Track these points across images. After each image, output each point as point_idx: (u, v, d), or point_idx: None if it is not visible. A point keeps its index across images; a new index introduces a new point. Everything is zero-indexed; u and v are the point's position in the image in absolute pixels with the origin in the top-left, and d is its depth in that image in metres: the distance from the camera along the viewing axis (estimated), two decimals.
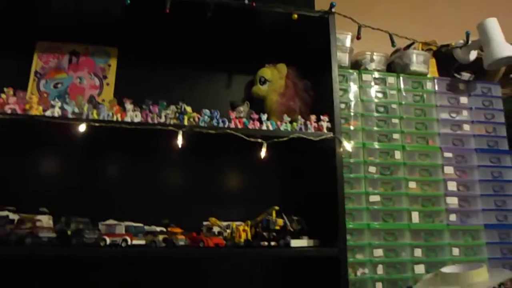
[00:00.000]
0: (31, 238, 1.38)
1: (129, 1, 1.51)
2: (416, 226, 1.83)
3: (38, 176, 1.71)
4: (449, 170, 1.93)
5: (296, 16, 1.64)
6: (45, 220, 1.50)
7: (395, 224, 1.82)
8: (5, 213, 1.46)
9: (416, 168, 1.90)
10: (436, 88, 2.02)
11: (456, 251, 1.84)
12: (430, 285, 1.46)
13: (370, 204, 1.81)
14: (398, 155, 1.89)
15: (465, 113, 2.02)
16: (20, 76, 1.75)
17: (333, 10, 1.71)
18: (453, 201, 1.90)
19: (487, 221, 1.91)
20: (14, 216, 1.47)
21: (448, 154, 1.94)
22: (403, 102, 1.96)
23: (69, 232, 1.46)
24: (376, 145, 1.88)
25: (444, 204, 1.89)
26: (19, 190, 1.66)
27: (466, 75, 2.13)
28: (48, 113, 1.41)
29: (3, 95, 1.42)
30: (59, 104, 1.43)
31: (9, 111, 1.39)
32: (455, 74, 2.11)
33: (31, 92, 1.72)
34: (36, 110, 1.41)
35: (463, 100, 2.03)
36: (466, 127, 2.00)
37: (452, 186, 1.91)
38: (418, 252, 1.81)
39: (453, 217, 1.88)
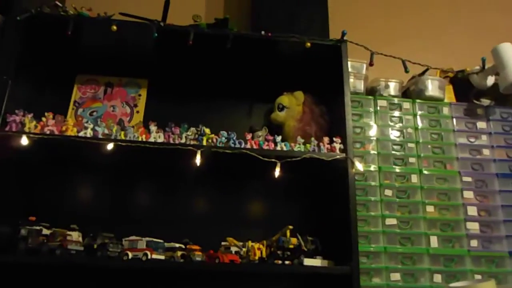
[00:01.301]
0: (60, 250, 1.51)
1: (156, 34, 1.68)
2: (436, 250, 1.80)
3: (70, 194, 1.86)
4: (468, 194, 1.91)
5: (309, 44, 1.75)
6: (75, 235, 1.63)
7: (413, 248, 1.80)
8: (39, 227, 1.61)
9: (434, 192, 1.90)
10: (453, 113, 2.04)
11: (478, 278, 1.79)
12: None
13: (387, 227, 1.81)
14: (415, 178, 1.90)
15: (484, 138, 2.02)
16: (61, 104, 1.94)
17: (345, 38, 1.81)
18: (474, 227, 1.86)
19: None
20: (46, 231, 1.61)
21: (467, 179, 1.93)
22: (419, 127, 1.99)
23: (95, 246, 1.57)
24: (393, 168, 1.90)
25: (464, 229, 1.86)
26: (53, 207, 1.81)
27: (485, 101, 2.14)
28: (81, 133, 1.57)
29: (44, 119, 1.60)
30: (91, 126, 1.59)
31: (47, 132, 1.56)
32: (474, 101, 2.12)
33: (69, 118, 1.90)
34: (71, 131, 1.58)
35: (482, 125, 2.03)
36: (486, 151, 1.99)
37: (472, 211, 1.88)
38: (437, 278, 1.77)
39: (474, 243, 1.84)
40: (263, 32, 1.78)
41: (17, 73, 1.65)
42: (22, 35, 1.68)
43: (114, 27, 1.66)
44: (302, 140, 1.71)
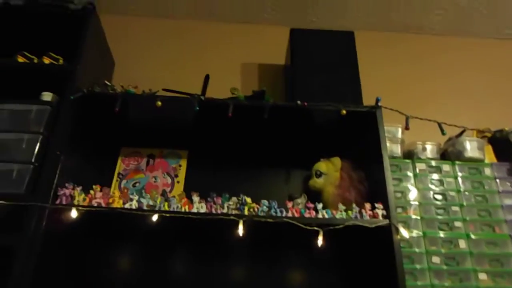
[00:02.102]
0: None
1: (197, 108, 1.77)
2: None
3: (115, 266, 1.88)
4: None
5: (344, 112, 1.80)
6: None
7: None
8: None
9: (485, 258, 1.80)
10: (496, 174, 1.99)
11: None
12: None
13: None
14: (462, 244, 1.82)
15: None
16: (106, 177, 2.03)
17: (379, 104, 1.85)
18: None
19: None
20: None
21: None
22: (462, 189, 1.94)
23: None
24: (438, 233, 1.84)
25: None
26: (99, 279, 1.84)
27: None
28: (127, 205, 1.62)
29: (92, 191, 1.67)
30: (136, 197, 1.64)
31: (95, 205, 1.61)
32: None
33: (113, 189, 1.97)
34: (117, 203, 1.63)
35: None
36: None
37: None
38: None
39: None
40: (298, 102, 1.84)
41: (68, 148, 1.75)
42: (75, 112, 1.80)
43: (159, 103, 1.77)
44: (344, 207, 1.70)
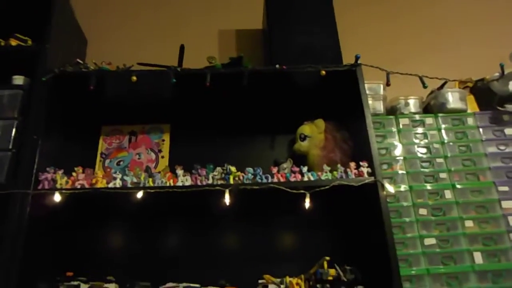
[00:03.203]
0: None
1: (174, 80, 1.73)
2: (482, 267, 1.72)
3: (104, 245, 1.88)
4: (507, 204, 1.83)
5: (324, 72, 1.77)
6: (112, 287, 1.64)
7: (457, 267, 1.73)
8: (76, 283, 1.62)
9: (471, 206, 1.83)
10: (478, 123, 2.00)
11: None
12: None
13: (426, 248, 1.75)
14: (448, 194, 1.85)
15: None
16: (89, 157, 2.00)
17: (359, 62, 1.82)
18: None
19: None
20: (84, 286, 1.62)
21: (504, 188, 1.86)
22: (446, 141, 1.95)
23: None
24: (424, 186, 1.86)
25: (508, 241, 1.77)
26: (89, 260, 1.83)
27: (510, 107, 2.09)
28: (110, 184, 1.60)
29: (74, 174, 1.64)
30: (120, 176, 1.62)
31: (78, 186, 1.59)
32: (498, 108, 2.07)
33: (97, 170, 1.95)
34: (101, 183, 1.61)
35: (510, 131, 1.98)
36: None
37: None
38: None
39: None
40: (277, 66, 1.81)
41: (45, 131, 1.71)
42: (48, 94, 1.75)
43: (134, 78, 1.72)
44: (329, 168, 1.70)
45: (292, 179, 1.66)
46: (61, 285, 1.57)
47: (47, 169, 1.64)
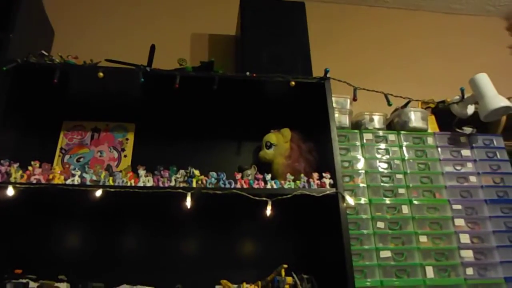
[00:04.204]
0: None
1: (143, 79, 1.70)
2: (432, 281, 1.78)
3: (57, 244, 1.81)
4: (460, 222, 1.92)
5: (293, 83, 1.79)
6: (63, 287, 1.58)
7: (409, 280, 1.78)
8: (25, 280, 1.55)
9: (426, 222, 1.90)
10: (438, 142, 2.08)
11: None
12: None
13: (382, 260, 1.80)
14: (405, 209, 1.91)
15: (469, 165, 2.05)
16: (47, 152, 1.92)
17: (328, 75, 1.86)
18: (468, 254, 1.86)
19: (507, 274, 1.84)
20: (34, 284, 1.55)
21: (457, 206, 1.95)
22: (406, 158, 2.02)
23: None
24: (383, 200, 1.91)
25: (458, 257, 1.85)
26: (40, 258, 1.76)
27: (468, 130, 2.18)
28: (68, 181, 1.55)
29: (30, 168, 1.58)
30: (79, 173, 1.57)
31: (34, 181, 1.53)
32: (457, 129, 2.17)
33: (55, 165, 1.88)
34: (58, 179, 1.55)
35: (466, 152, 2.07)
36: (473, 178, 2.02)
37: (465, 238, 1.89)
38: None
39: (470, 271, 1.83)
40: (248, 73, 1.82)
41: (3, 122, 1.64)
42: (9, 84, 1.68)
43: (101, 74, 1.68)
44: (292, 177, 1.72)
45: (256, 186, 1.66)
46: (8, 282, 1.49)
47: (2, 161, 1.56)
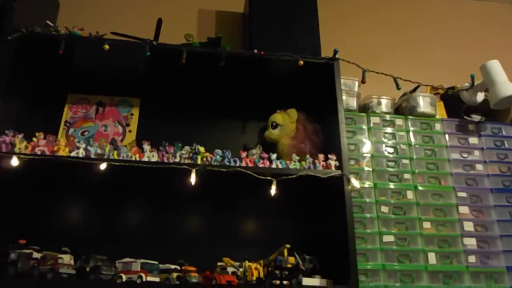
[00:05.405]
0: (52, 274, 1.45)
1: (148, 53, 1.67)
2: (434, 267, 1.78)
3: (61, 216, 1.81)
4: (464, 210, 1.91)
5: (302, 62, 1.77)
6: (67, 258, 1.58)
7: (411, 265, 1.78)
8: (29, 251, 1.55)
9: (430, 208, 1.89)
10: (445, 129, 2.05)
11: None
12: None
13: (384, 244, 1.79)
14: (410, 195, 1.90)
15: (476, 153, 2.03)
16: (52, 124, 1.91)
17: (337, 56, 1.82)
18: (471, 242, 1.85)
19: (510, 263, 1.84)
20: (37, 255, 1.55)
21: (462, 194, 1.93)
22: (413, 143, 1.99)
23: (87, 269, 1.52)
24: (388, 185, 1.90)
25: (461, 245, 1.84)
26: (44, 229, 1.76)
27: (476, 117, 2.16)
28: (73, 154, 1.54)
29: (35, 139, 1.57)
30: (83, 146, 1.56)
31: (38, 153, 1.52)
32: (465, 117, 2.14)
33: (60, 137, 1.87)
34: (63, 151, 1.54)
35: (474, 140, 2.05)
36: (479, 167, 2.00)
37: (468, 226, 1.88)
38: None
39: (472, 259, 1.82)
40: (255, 51, 1.78)
41: (7, 93, 1.62)
42: (13, 54, 1.66)
43: (106, 46, 1.66)
44: (297, 158, 1.70)
45: (260, 165, 1.65)
46: (12, 252, 1.49)
47: (6, 131, 1.55)
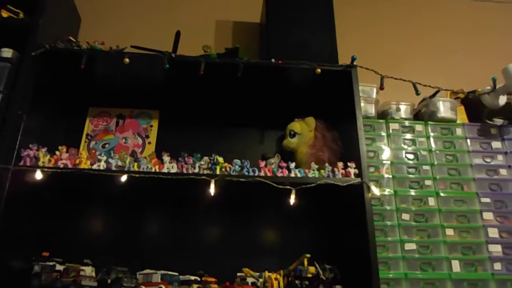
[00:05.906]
0: (74, 286, 1.49)
1: (167, 65, 1.70)
2: (458, 275, 1.74)
3: (83, 228, 1.85)
4: (488, 216, 1.86)
5: (319, 70, 1.77)
6: (88, 270, 1.61)
7: (434, 273, 1.74)
8: (52, 263, 1.59)
9: (453, 215, 1.85)
10: (467, 134, 2.02)
11: None
12: None
13: (406, 253, 1.77)
14: (432, 201, 1.86)
15: (500, 157, 1.99)
16: (74, 137, 1.96)
17: (354, 63, 1.82)
18: (496, 249, 1.81)
19: None
20: (60, 267, 1.59)
21: (486, 200, 1.89)
22: (433, 149, 1.96)
23: (109, 281, 1.55)
24: (408, 192, 1.87)
25: (486, 252, 1.80)
26: (66, 242, 1.80)
27: (498, 121, 2.11)
28: (95, 166, 1.57)
29: (57, 152, 1.61)
30: (104, 158, 1.59)
31: (61, 165, 1.56)
32: (487, 121, 2.10)
33: (82, 150, 1.91)
34: (85, 164, 1.58)
35: (496, 144, 2.01)
36: (503, 171, 1.96)
37: (493, 233, 1.83)
38: None
39: (498, 266, 1.78)
40: (273, 60, 1.79)
41: (31, 107, 1.67)
42: (37, 70, 1.71)
43: (127, 60, 1.69)
44: (316, 166, 1.70)
45: (279, 175, 1.65)
46: (36, 264, 1.53)
47: (30, 145, 1.60)
